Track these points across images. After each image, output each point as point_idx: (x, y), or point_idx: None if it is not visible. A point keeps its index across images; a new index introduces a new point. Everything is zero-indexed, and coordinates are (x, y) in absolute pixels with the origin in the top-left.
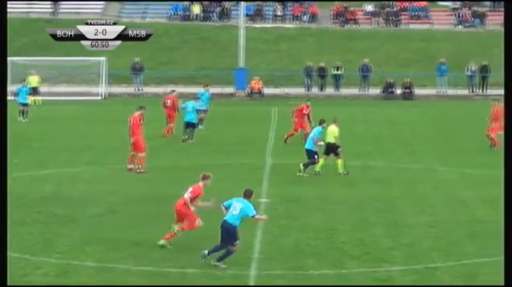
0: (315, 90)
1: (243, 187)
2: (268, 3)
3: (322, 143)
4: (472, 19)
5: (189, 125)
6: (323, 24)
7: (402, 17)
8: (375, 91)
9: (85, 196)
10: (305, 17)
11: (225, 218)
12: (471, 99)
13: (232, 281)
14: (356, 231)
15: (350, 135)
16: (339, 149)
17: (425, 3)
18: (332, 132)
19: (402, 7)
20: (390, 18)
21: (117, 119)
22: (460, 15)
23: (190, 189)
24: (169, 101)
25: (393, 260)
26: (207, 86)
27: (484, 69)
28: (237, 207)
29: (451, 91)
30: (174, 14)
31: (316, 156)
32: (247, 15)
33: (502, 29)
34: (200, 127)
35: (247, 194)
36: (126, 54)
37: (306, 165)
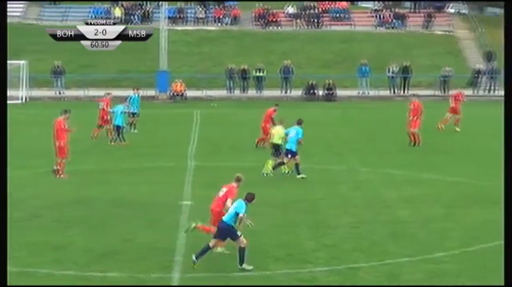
0: (237, 92)
1: (165, 190)
2: (189, 5)
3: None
4: (393, 20)
5: (117, 128)
6: (245, 26)
7: (324, 18)
8: (297, 92)
9: (8, 201)
10: (226, 19)
11: (222, 217)
12: (392, 100)
13: (155, 284)
14: (279, 233)
15: None
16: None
17: (345, 3)
18: (278, 133)
19: (323, 9)
20: (312, 20)
21: (39, 122)
22: (381, 16)
23: (225, 189)
24: (101, 103)
25: (317, 261)
26: (138, 89)
27: (405, 70)
28: (233, 206)
29: (372, 92)
30: (95, 17)
31: (296, 156)
32: (168, 17)
33: (423, 30)
34: (133, 131)
35: (248, 198)
36: (46, 57)
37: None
